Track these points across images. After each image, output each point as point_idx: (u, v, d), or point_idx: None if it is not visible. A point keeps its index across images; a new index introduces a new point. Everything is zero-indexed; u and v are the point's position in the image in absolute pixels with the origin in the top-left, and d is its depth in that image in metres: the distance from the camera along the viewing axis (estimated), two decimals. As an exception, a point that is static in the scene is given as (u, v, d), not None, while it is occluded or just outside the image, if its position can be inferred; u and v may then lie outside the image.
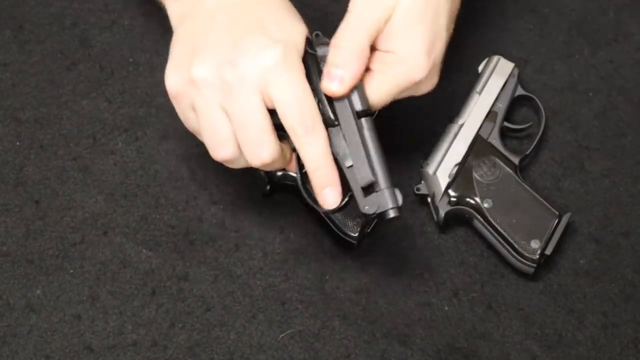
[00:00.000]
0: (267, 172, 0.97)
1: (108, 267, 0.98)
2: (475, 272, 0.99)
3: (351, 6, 0.88)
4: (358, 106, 0.86)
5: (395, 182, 0.85)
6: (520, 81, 1.03)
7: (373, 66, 0.88)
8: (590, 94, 1.06)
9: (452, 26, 0.91)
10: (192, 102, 0.87)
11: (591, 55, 1.08)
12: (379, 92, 0.87)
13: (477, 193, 0.97)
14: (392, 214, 0.85)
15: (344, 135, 0.86)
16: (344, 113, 0.86)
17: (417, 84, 0.88)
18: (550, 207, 0.97)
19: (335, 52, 0.86)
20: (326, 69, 0.86)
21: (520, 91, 1.03)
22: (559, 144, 1.04)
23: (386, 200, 0.85)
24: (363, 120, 0.86)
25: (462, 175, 0.98)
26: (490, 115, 1.00)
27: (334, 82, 0.85)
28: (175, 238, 0.99)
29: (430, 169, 0.98)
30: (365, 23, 0.86)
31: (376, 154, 0.86)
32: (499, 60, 1.03)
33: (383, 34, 0.87)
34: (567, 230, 0.97)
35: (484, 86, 1.01)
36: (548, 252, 0.95)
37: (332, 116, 0.86)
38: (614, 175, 1.03)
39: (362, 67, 0.86)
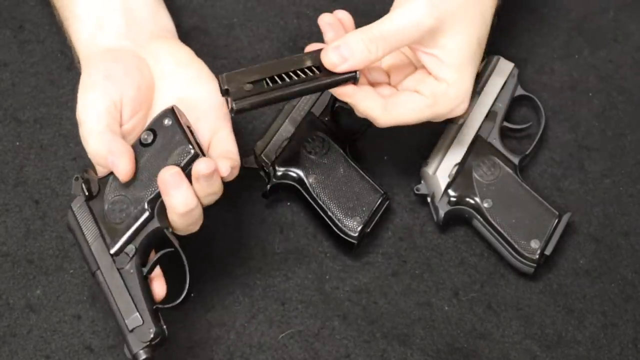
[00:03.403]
0: (266, 172, 0.97)
1: (108, 267, 0.98)
2: (475, 272, 0.99)
3: (391, 12, 0.86)
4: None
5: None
6: (520, 81, 1.03)
7: (418, 87, 0.88)
8: (590, 94, 1.06)
9: None
10: None
11: (591, 55, 1.08)
12: (412, 112, 0.88)
13: (477, 193, 0.97)
14: (142, 355, 0.83)
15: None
16: (102, 257, 0.85)
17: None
18: (550, 207, 0.97)
19: (355, 41, 0.85)
20: (337, 43, 0.85)
21: (520, 91, 1.03)
22: (559, 144, 1.04)
23: (127, 347, 0.84)
24: (112, 261, 0.85)
25: (461, 175, 0.98)
26: (490, 115, 1.00)
27: (338, 57, 0.85)
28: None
29: (430, 169, 0.98)
30: (395, 37, 0.85)
31: (124, 298, 0.84)
32: (498, 60, 1.03)
33: (435, 59, 0.87)
34: (567, 230, 0.97)
35: (483, 86, 1.01)
36: (548, 252, 0.95)
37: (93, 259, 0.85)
38: (614, 175, 1.03)
39: (363, 67, 0.86)
